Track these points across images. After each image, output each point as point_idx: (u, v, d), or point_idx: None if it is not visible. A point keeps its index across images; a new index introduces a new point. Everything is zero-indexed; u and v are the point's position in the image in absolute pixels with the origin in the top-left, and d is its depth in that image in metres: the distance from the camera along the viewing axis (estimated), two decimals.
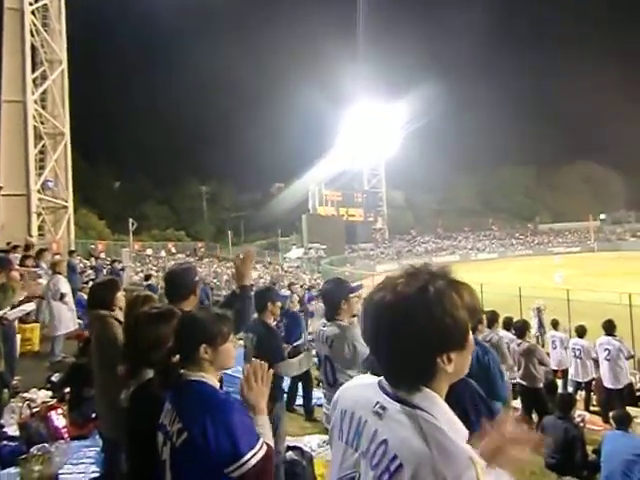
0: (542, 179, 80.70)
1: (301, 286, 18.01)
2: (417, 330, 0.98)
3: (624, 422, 4.49)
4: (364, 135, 60.44)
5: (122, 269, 15.96)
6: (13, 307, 5.32)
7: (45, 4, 24.80)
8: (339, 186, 58.95)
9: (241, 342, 5.43)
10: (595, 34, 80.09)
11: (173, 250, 38.11)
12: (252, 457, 1.63)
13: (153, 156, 65.50)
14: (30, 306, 6.72)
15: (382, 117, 60.64)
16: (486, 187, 78.28)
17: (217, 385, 1.82)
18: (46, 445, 3.53)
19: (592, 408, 8.07)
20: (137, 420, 2.05)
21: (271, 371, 1.83)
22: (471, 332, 1.06)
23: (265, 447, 1.68)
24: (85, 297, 4.21)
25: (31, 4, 23.68)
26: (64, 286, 7.58)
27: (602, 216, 68.49)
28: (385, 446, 0.98)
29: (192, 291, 2.73)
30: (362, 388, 1.13)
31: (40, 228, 23.90)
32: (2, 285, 4.07)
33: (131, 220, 32.72)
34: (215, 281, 25.40)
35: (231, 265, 35.85)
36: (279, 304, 4.45)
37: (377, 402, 1.04)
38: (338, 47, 62.36)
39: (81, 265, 15.63)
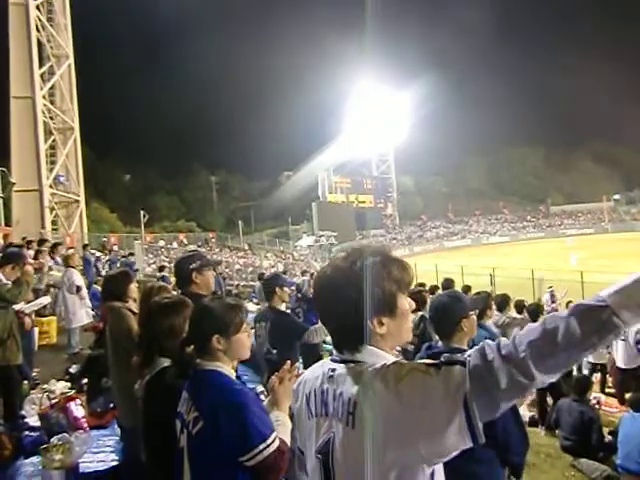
0: (551, 160, 79.38)
1: (311, 275, 17.99)
2: (347, 297, 1.12)
3: None
4: (372, 121, 59.86)
5: (135, 261, 16.12)
6: (29, 301, 5.41)
7: None
8: (348, 173, 58.61)
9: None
10: (604, 23, 78.04)
11: (185, 241, 38.26)
12: (265, 448, 1.64)
13: (162, 148, 65.50)
14: (46, 299, 6.85)
15: (390, 103, 59.98)
16: (495, 167, 77.25)
17: (233, 375, 1.83)
18: (66, 435, 3.58)
19: (608, 390, 8.02)
20: (153, 409, 2.08)
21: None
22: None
23: (278, 441, 1.67)
24: (100, 289, 4.26)
25: None
26: (79, 279, 7.67)
27: (616, 196, 67.17)
28: (342, 397, 1.13)
29: (189, 275, 2.80)
30: (316, 369, 1.29)
31: (53, 222, 24.17)
32: (17, 280, 4.12)
33: (143, 212, 32.83)
34: (227, 271, 25.53)
35: (242, 254, 36.13)
36: (287, 290, 4.48)
37: (328, 369, 1.21)
38: (346, 33, 61.46)
39: (95, 258, 15.78)
